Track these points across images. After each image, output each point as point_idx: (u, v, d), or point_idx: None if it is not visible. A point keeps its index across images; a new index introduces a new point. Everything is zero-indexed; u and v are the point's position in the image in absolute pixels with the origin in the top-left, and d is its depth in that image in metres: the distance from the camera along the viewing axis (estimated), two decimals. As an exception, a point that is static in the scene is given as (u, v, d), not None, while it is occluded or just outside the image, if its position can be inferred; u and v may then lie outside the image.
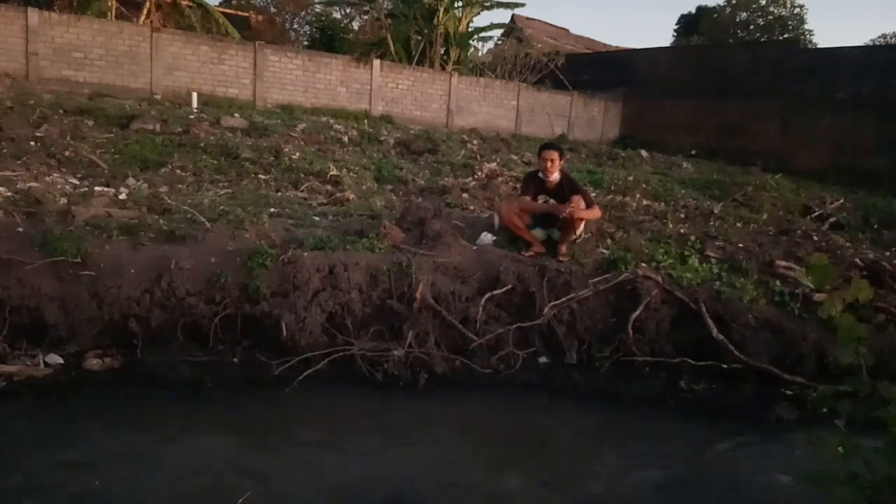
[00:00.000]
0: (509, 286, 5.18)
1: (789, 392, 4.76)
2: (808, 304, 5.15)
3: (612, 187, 9.02)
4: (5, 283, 4.34)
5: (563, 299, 5.11)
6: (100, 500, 3.09)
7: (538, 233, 5.76)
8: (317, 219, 6.23)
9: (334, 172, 8.16)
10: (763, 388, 4.85)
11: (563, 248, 5.56)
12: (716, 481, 3.80)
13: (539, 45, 22.39)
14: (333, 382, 4.48)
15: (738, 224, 7.49)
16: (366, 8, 19.49)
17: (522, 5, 19.63)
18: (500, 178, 8.92)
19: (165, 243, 4.93)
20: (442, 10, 17.26)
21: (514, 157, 11.61)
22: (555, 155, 5.63)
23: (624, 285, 5.21)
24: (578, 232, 5.69)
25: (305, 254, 4.95)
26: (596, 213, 5.78)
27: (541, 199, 5.71)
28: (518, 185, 7.02)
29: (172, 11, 17.32)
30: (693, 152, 16.66)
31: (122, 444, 3.64)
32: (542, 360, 5.07)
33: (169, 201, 5.97)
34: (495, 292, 5.13)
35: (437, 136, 12.60)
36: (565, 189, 5.62)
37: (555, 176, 5.64)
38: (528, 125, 18.01)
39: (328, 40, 18.67)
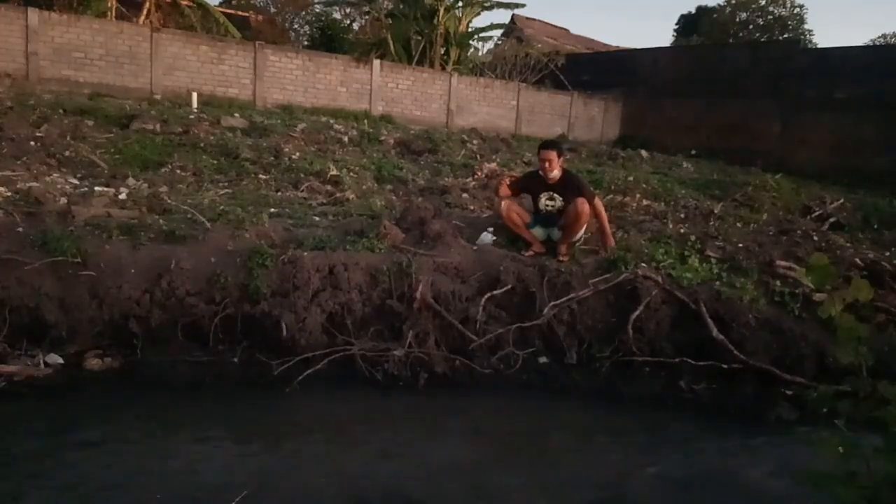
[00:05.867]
0: (509, 286, 5.17)
1: (789, 392, 4.75)
2: (808, 304, 5.15)
3: (612, 187, 9.02)
4: (5, 283, 4.34)
5: (563, 299, 5.11)
6: (99, 499, 3.09)
7: (538, 232, 5.77)
8: (317, 219, 6.23)
9: (334, 172, 8.16)
10: (763, 388, 4.84)
11: (563, 248, 5.56)
12: (716, 481, 3.80)
13: (539, 45, 22.41)
14: (333, 382, 4.48)
15: (738, 224, 7.48)
16: (366, 8, 19.51)
17: (522, 6, 19.65)
18: (498, 178, 8.91)
19: (165, 243, 4.93)
20: (442, 10, 17.26)
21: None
22: (552, 155, 5.56)
23: (624, 285, 5.21)
24: (579, 235, 5.70)
25: (305, 254, 4.95)
26: (601, 213, 5.70)
27: (544, 196, 5.70)
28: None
29: (172, 11, 17.32)
30: (693, 152, 16.65)
31: (122, 444, 3.65)
32: (542, 360, 5.07)
33: (169, 201, 5.97)
34: (495, 292, 5.13)
35: (437, 136, 12.60)
36: (568, 185, 5.62)
37: (554, 174, 5.63)
38: (528, 125, 18.02)
39: (328, 40, 18.67)
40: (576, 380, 4.88)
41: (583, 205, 5.40)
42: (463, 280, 5.23)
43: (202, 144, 8.84)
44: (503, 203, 5.81)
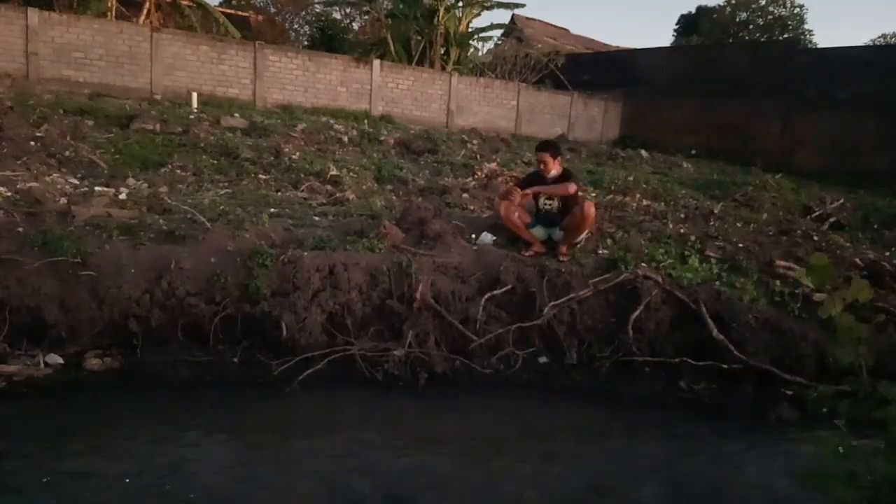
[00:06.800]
0: (509, 286, 5.18)
1: (789, 392, 4.75)
2: (808, 304, 5.15)
3: (612, 187, 9.01)
4: (5, 283, 4.34)
5: (563, 299, 5.11)
6: (99, 500, 3.09)
7: (539, 232, 5.77)
8: (317, 219, 6.23)
9: (334, 172, 8.16)
10: (763, 388, 4.85)
11: (564, 248, 5.56)
12: (716, 481, 3.80)
13: (539, 45, 22.41)
14: (333, 382, 4.49)
15: (738, 224, 7.48)
16: (366, 8, 19.51)
17: (522, 5, 19.69)
18: (500, 178, 8.92)
19: (165, 243, 4.93)
20: (442, 10, 17.27)
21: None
22: (545, 157, 5.63)
23: (624, 285, 5.21)
24: (582, 237, 5.70)
25: (305, 254, 4.95)
26: (564, 188, 5.54)
27: (543, 195, 5.71)
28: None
29: (172, 11, 17.31)
30: (693, 152, 16.66)
31: (122, 444, 3.65)
32: (542, 360, 5.07)
33: (169, 201, 5.97)
34: (495, 292, 5.13)
35: (437, 136, 12.60)
36: (561, 180, 5.64)
37: (553, 173, 5.68)
38: (528, 125, 18.01)
39: (328, 40, 18.68)
40: (576, 380, 4.88)
41: (589, 208, 5.45)
42: (463, 280, 5.23)
43: (202, 144, 8.84)
44: (502, 204, 5.82)
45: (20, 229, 4.75)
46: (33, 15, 11.67)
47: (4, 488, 3.09)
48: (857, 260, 6.06)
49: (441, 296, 5.00)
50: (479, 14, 18.85)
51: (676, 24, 32.15)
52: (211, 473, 3.41)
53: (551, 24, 28.91)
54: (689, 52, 21.91)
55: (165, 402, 4.18)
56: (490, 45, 22.58)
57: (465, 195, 7.80)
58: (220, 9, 19.46)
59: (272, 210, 6.29)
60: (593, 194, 8.46)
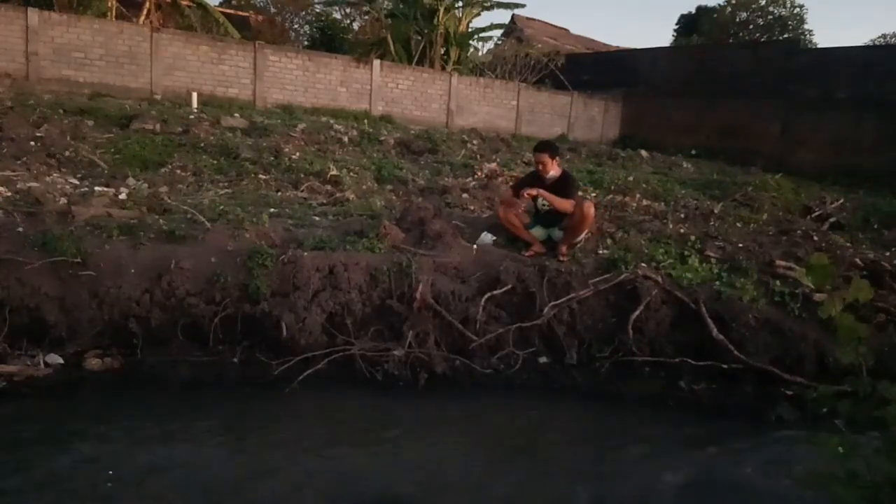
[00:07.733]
0: (509, 286, 5.18)
1: (789, 392, 4.75)
2: (808, 304, 5.15)
3: (612, 187, 9.02)
4: (5, 283, 4.34)
5: (563, 299, 5.11)
6: (99, 500, 3.09)
7: (538, 232, 5.77)
8: (317, 219, 6.23)
9: (334, 172, 8.16)
10: (763, 388, 4.85)
11: (564, 248, 5.56)
12: (715, 481, 3.80)
13: (539, 45, 22.41)
14: (333, 382, 4.48)
15: (738, 224, 7.49)
16: (366, 8, 19.51)
17: (522, 6, 19.68)
18: (500, 178, 8.92)
19: (165, 243, 4.93)
20: (442, 10, 17.26)
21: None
22: (544, 157, 5.61)
23: (624, 285, 5.21)
24: (582, 237, 5.69)
25: (305, 254, 4.95)
26: (564, 203, 5.48)
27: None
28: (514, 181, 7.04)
29: (172, 11, 17.31)
30: (693, 152, 16.66)
31: (122, 444, 3.64)
32: (542, 360, 5.07)
33: (169, 201, 5.97)
34: (495, 292, 5.13)
35: (437, 136, 12.60)
36: (561, 185, 5.61)
37: (552, 174, 5.65)
38: (528, 125, 18.02)
39: (328, 40, 18.69)
40: (576, 380, 4.88)
41: (588, 208, 5.45)
42: (463, 280, 5.23)
43: (202, 144, 8.84)
44: (501, 206, 5.83)
45: (20, 229, 4.75)
46: (33, 15, 11.67)
47: (4, 488, 3.08)
48: (857, 260, 6.06)
49: (441, 296, 5.00)
50: (479, 14, 18.85)
51: (676, 24, 32.18)
52: (211, 473, 3.41)
53: (551, 24, 28.91)
54: (689, 52, 21.88)
55: (165, 402, 4.18)
56: (490, 45, 22.63)
57: (465, 195, 7.80)
58: (220, 9, 19.46)
59: (272, 210, 6.29)
60: (593, 194, 8.47)
